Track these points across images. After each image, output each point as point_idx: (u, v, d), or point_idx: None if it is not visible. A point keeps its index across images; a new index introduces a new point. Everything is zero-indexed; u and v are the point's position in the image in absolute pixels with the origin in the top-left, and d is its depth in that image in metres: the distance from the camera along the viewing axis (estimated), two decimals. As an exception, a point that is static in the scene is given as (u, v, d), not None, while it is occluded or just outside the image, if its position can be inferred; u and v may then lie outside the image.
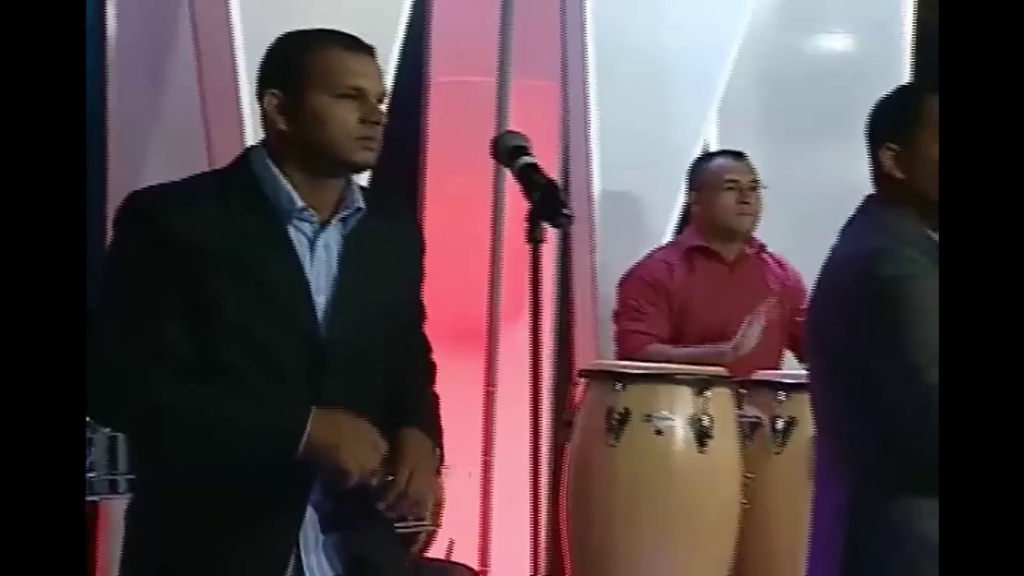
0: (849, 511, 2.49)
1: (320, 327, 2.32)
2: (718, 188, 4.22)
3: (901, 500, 2.45)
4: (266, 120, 2.38)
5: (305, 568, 2.32)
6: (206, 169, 3.21)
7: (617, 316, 4.27)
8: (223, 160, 2.54)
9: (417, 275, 2.50)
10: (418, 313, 2.53)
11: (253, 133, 3.68)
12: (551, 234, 4.79)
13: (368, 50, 2.38)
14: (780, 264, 4.31)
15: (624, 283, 4.28)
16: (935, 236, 2.49)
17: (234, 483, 2.27)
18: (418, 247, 2.50)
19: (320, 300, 2.33)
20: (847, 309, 2.49)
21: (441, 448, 2.46)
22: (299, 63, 2.35)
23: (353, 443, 2.27)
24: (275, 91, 2.36)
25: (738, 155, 4.29)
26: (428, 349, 2.57)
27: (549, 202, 2.36)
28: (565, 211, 2.37)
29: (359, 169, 2.39)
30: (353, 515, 2.35)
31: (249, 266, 2.29)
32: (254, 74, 2.45)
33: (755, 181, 4.22)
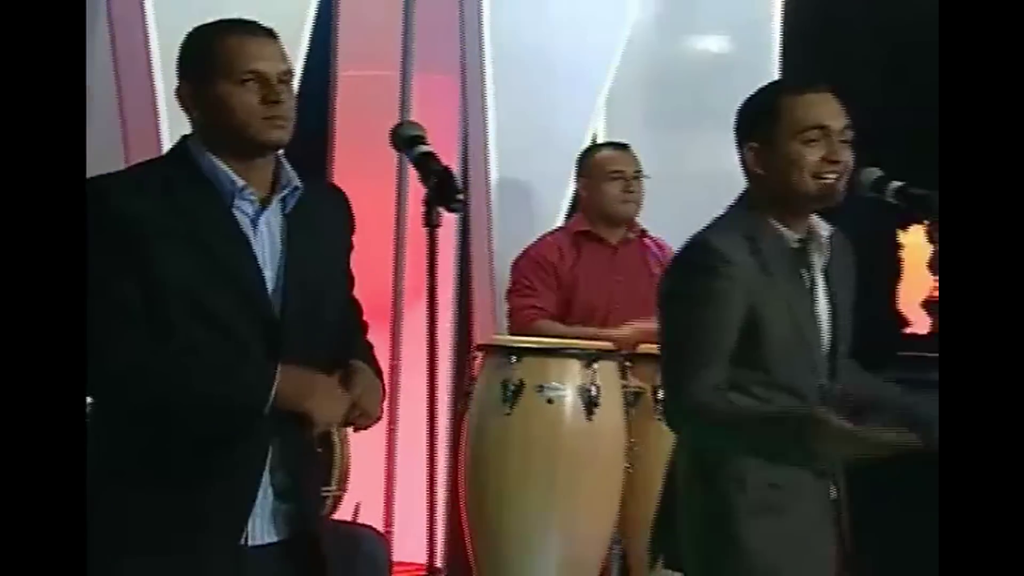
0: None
1: (271, 300, 2.33)
2: (604, 177, 4.31)
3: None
4: (185, 111, 2.40)
5: (248, 533, 2.32)
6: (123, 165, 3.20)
7: (510, 293, 4.35)
8: (139, 155, 2.53)
9: (348, 247, 2.51)
10: (351, 280, 2.55)
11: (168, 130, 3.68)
12: (451, 219, 4.87)
13: (267, 33, 2.38)
14: (660, 247, 4.40)
15: (517, 263, 4.37)
16: (788, 232, 2.53)
17: (194, 447, 2.26)
18: (349, 222, 2.51)
19: (268, 274, 2.33)
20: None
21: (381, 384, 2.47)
22: (203, 54, 2.36)
23: (321, 396, 2.30)
24: (186, 83, 2.38)
25: (623, 146, 4.38)
26: (360, 311, 2.59)
27: (444, 188, 2.38)
28: (459, 196, 2.39)
29: (273, 147, 2.37)
30: (301, 484, 2.38)
31: (199, 244, 2.28)
32: (169, 71, 2.47)
33: (638, 171, 4.31)
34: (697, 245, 2.54)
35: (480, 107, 4.66)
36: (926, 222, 2.57)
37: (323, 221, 2.43)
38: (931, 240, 2.53)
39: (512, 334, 4.25)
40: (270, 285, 2.34)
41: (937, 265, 2.59)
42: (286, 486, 2.35)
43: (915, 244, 4.25)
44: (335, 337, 2.42)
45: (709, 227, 2.56)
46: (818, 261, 2.58)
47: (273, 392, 2.27)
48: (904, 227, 4.01)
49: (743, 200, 2.60)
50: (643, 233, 4.39)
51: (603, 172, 4.32)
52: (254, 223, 2.35)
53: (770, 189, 2.55)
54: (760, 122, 2.58)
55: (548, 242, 4.39)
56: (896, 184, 2.53)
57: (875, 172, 2.58)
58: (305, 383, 2.30)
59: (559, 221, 4.72)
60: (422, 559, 2.44)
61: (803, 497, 2.53)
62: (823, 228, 2.58)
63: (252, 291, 2.32)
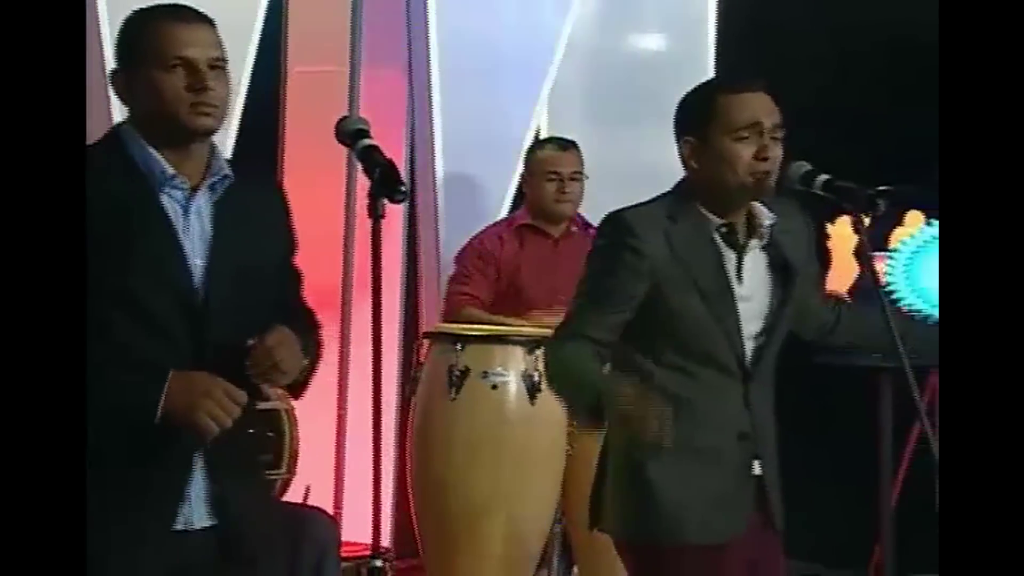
0: None
1: (198, 290, 2.28)
2: (541, 176, 4.34)
3: None
4: (119, 98, 2.36)
5: (181, 516, 2.28)
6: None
7: (450, 280, 4.36)
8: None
9: (287, 240, 2.46)
10: (294, 278, 2.49)
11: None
12: (398, 211, 4.87)
13: (200, 19, 2.33)
14: None
15: (460, 252, 4.39)
16: (714, 217, 2.60)
17: (123, 435, 2.23)
18: (285, 213, 2.47)
19: (198, 263, 2.29)
20: None
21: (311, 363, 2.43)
22: (134, 41, 2.33)
23: (204, 400, 2.22)
24: (119, 69, 2.35)
25: (565, 146, 4.38)
26: (298, 296, 2.51)
27: (387, 180, 2.38)
28: (402, 188, 2.39)
29: (202, 134, 2.32)
30: (238, 467, 2.35)
31: (126, 234, 2.24)
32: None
33: (576, 172, 4.31)
34: (612, 218, 2.63)
35: (427, 102, 4.66)
36: (852, 214, 2.59)
37: (255, 209, 2.37)
38: (856, 231, 2.56)
39: (443, 319, 4.26)
40: (200, 274, 2.29)
41: (863, 254, 2.62)
42: (221, 470, 2.32)
43: (842, 235, 4.30)
44: (267, 324, 2.33)
45: (634, 205, 2.65)
46: (754, 245, 2.63)
47: (160, 405, 2.21)
48: (832, 219, 4.04)
49: (678, 186, 2.68)
50: (587, 226, 4.41)
51: (541, 171, 4.35)
52: (185, 211, 2.31)
53: (704, 181, 2.62)
54: (696, 118, 2.64)
55: (491, 233, 4.41)
56: (824, 177, 2.56)
57: (804, 166, 2.62)
58: (194, 390, 2.22)
59: (503, 213, 4.74)
60: (370, 540, 2.47)
61: (721, 463, 2.59)
62: (765, 216, 2.64)
63: (178, 283, 2.28)
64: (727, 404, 2.61)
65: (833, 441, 4.92)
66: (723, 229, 2.61)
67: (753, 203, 2.64)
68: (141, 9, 2.37)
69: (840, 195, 2.54)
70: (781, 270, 2.65)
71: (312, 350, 2.42)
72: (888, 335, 2.51)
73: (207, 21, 2.34)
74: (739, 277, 2.62)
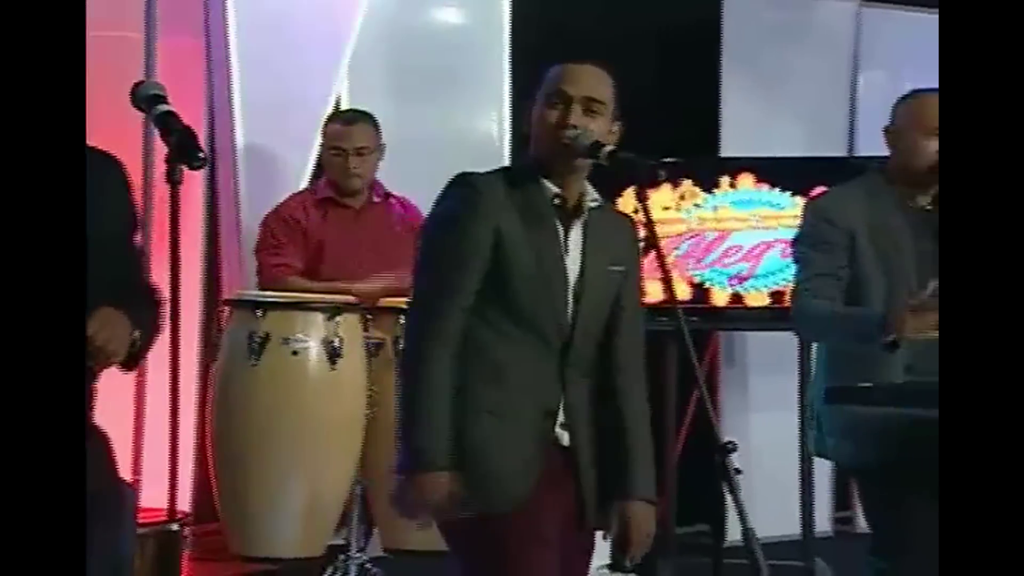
0: None
1: None
2: (328, 151, 4.31)
3: None
4: None
5: None
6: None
7: (259, 250, 4.31)
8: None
9: (126, 216, 2.41)
10: (134, 255, 2.46)
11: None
12: (199, 180, 4.75)
13: None
14: (405, 207, 4.41)
15: (266, 220, 4.33)
16: (549, 185, 2.64)
17: None
18: (125, 188, 2.42)
19: None
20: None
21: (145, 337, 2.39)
22: None
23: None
24: None
25: (354, 119, 4.31)
26: (151, 289, 2.48)
27: (185, 146, 2.37)
28: (200, 155, 2.38)
29: None
30: None
31: None
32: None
33: (362, 147, 4.26)
34: (457, 178, 2.65)
35: (225, 71, 4.55)
36: (636, 184, 2.64)
37: (91, 185, 2.31)
38: (639, 198, 2.61)
39: (261, 289, 4.20)
40: None
41: (647, 220, 2.67)
42: None
43: (626, 208, 4.41)
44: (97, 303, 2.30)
45: (480, 172, 2.67)
46: (578, 220, 2.67)
47: None
48: (619, 193, 4.14)
49: (522, 156, 2.74)
50: (388, 195, 4.40)
51: (328, 145, 4.33)
52: None
53: (532, 148, 2.69)
54: (532, 87, 2.71)
55: (296, 201, 4.36)
56: (608, 148, 2.61)
57: (590, 137, 2.66)
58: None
59: (304, 182, 4.68)
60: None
61: (519, 428, 2.59)
62: (590, 197, 2.69)
63: None
64: (542, 378, 2.61)
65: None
66: (556, 200, 2.65)
67: (587, 185, 2.69)
68: None
69: (623, 166, 2.60)
70: (584, 253, 2.67)
71: (147, 325, 2.39)
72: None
73: None
74: (566, 250, 2.65)
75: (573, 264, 2.66)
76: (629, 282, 2.74)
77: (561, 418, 2.62)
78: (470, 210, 2.59)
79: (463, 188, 2.62)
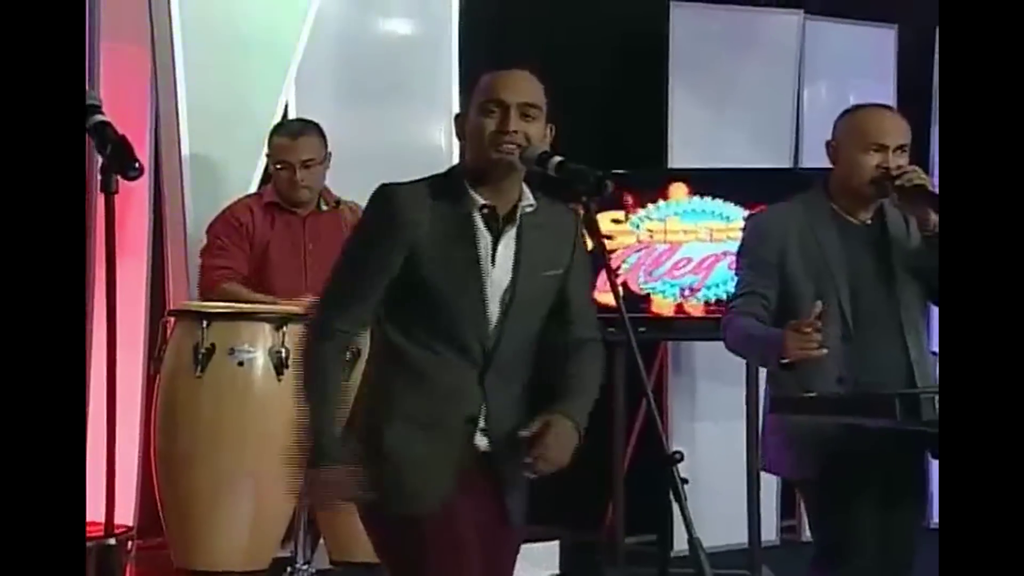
0: None
1: None
2: (275, 165, 4.25)
3: None
4: None
5: None
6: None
7: (203, 252, 4.22)
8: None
9: None
10: None
11: None
12: (143, 188, 4.65)
13: None
14: (354, 212, 4.33)
15: (212, 223, 4.25)
16: (476, 196, 2.59)
17: None
18: None
19: None
20: None
21: None
22: None
23: None
24: None
25: (297, 132, 4.24)
26: None
27: (119, 157, 2.33)
28: (135, 165, 2.34)
29: None
30: None
31: None
32: None
33: (309, 159, 4.20)
34: (378, 190, 2.62)
35: (170, 78, 4.46)
36: (583, 198, 2.58)
37: None
38: (585, 209, 2.56)
39: (200, 293, 4.13)
40: None
41: (592, 231, 2.63)
42: None
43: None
44: None
45: (405, 182, 2.62)
46: (508, 229, 2.62)
47: None
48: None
49: (453, 167, 2.69)
50: (337, 203, 4.33)
51: (274, 160, 4.26)
52: None
53: (466, 157, 2.65)
54: (468, 94, 2.68)
55: (243, 204, 4.29)
56: (557, 159, 2.56)
57: (539, 148, 2.61)
58: None
59: (251, 191, 4.59)
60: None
61: (445, 439, 2.58)
62: (525, 202, 2.64)
63: None
64: (462, 386, 2.59)
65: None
66: (484, 210, 2.60)
67: (525, 189, 2.64)
68: None
69: (572, 176, 2.55)
70: (517, 260, 2.63)
71: None
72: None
73: None
74: (492, 260, 2.60)
75: (503, 274, 2.62)
76: (572, 277, 2.71)
77: (481, 424, 2.61)
78: (382, 222, 2.57)
79: (379, 199, 2.60)
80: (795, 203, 3.24)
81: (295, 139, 4.22)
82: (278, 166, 4.22)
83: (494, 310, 2.61)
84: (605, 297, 3.32)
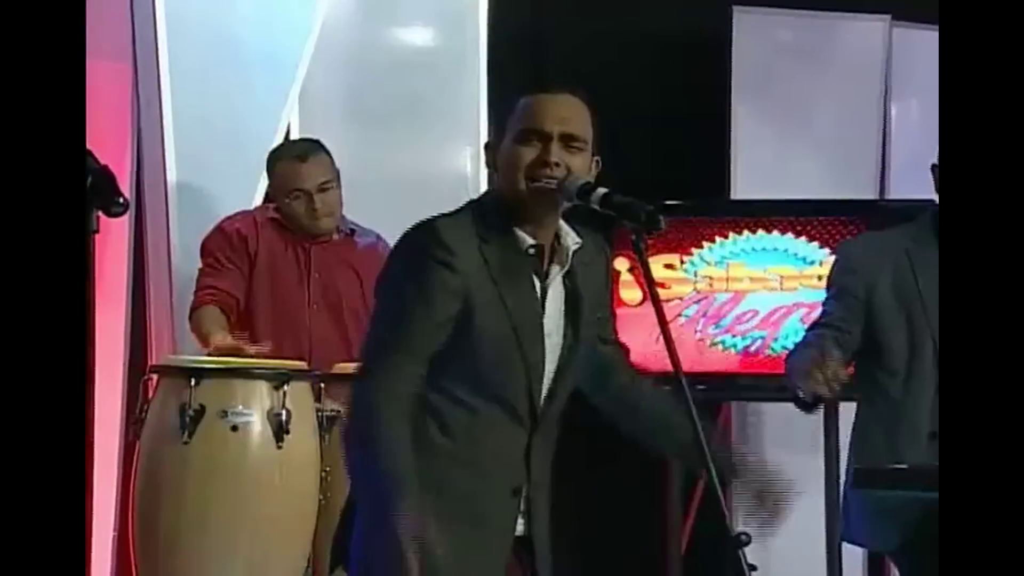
0: None
1: None
2: (286, 195, 4.28)
3: None
4: None
5: None
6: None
7: (200, 272, 4.27)
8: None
9: None
10: None
11: None
12: (123, 225, 4.70)
13: None
14: (371, 245, 4.36)
15: (208, 238, 4.30)
16: (522, 235, 2.61)
17: None
18: None
19: None
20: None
21: None
22: None
23: None
24: None
25: (307, 153, 4.29)
26: None
27: (101, 189, 2.35)
28: (119, 200, 2.37)
29: None
30: None
31: None
32: None
33: (325, 182, 4.25)
34: (423, 229, 2.60)
35: (156, 100, 4.53)
36: (632, 232, 2.61)
37: None
38: (635, 251, 2.57)
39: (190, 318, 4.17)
40: None
41: (646, 278, 2.66)
42: None
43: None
44: None
45: (443, 215, 2.63)
46: (555, 271, 2.65)
47: None
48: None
49: (483, 196, 2.72)
50: (351, 232, 4.37)
51: (283, 189, 4.30)
52: None
53: (499, 188, 2.67)
54: (503, 120, 2.68)
55: (245, 215, 4.33)
56: (601, 191, 2.59)
57: (580, 178, 2.64)
58: None
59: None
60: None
61: (484, 524, 2.58)
62: (571, 239, 2.66)
63: None
64: (507, 450, 2.60)
65: (623, 493, 5.05)
66: (531, 251, 2.63)
67: (562, 223, 2.66)
68: None
69: (619, 211, 2.57)
70: (574, 305, 2.67)
71: None
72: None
73: None
74: (543, 307, 2.63)
75: (553, 324, 2.64)
76: (607, 313, 2.76)
77: (523, 500, 2.62)
78: (435, 268, 2.55)
79: (427, 239, 2.58)
80: (897, 233, 3.26)
81: (304, 162, 4.26)
82: (291, 195, 4.25)
83: (551, 365, 2.64)
84: (655, 351, 3.36)
